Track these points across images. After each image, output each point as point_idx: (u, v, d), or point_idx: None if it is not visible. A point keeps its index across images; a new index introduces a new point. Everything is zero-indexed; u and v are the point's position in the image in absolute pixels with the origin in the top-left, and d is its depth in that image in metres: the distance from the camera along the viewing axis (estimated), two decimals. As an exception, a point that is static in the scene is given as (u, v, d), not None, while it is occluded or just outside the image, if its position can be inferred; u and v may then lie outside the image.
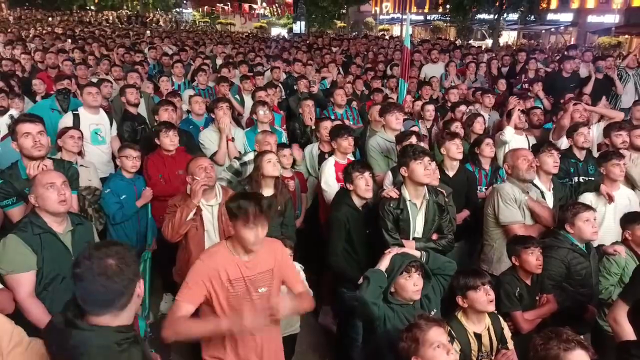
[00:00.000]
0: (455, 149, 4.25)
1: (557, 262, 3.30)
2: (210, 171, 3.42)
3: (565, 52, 10.54)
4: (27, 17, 27.69)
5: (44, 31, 17.58)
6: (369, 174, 3.60)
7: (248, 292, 2.54)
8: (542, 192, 3.87)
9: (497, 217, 3.69)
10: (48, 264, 2.73)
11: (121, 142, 4.90)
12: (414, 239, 3.40)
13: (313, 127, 5.36)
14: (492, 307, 2.76)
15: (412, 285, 2.66)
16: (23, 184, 3.23)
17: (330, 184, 4.24)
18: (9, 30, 17.25)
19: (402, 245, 3.23)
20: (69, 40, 12.42)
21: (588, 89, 7.36)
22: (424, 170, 3.28)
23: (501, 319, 2.89)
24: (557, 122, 5.45)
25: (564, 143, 5.03)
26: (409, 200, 3.38)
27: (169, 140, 4.34)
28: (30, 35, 15.31)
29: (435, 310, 2.80)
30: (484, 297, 2.71)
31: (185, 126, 5.39)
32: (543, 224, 3.67)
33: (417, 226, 3.42)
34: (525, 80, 8.24)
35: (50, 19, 28.46)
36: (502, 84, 8.10)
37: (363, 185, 3.54)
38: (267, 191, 3.82)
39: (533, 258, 3.14)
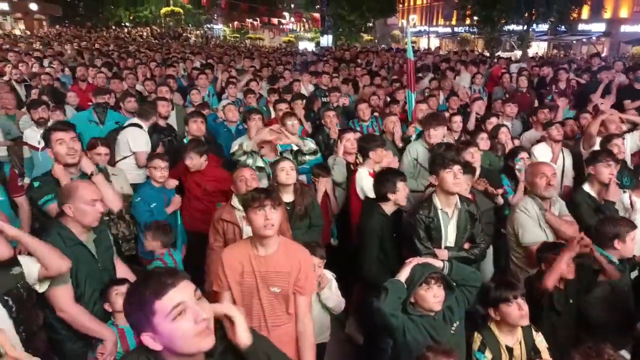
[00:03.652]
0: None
1: (602, 283, 3.18)
2: (251, 182, 3.49)
3: (591, 62, 10.35)
4: (66, 34, 28.84)
5: (82, 47, 18.31)
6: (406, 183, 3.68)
7: (257, 287, 2.59)
8: (594, 200, 3.79)
9: (518, 238, 3.61)
10: (82, 275, 2.78)
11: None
12: (446, 247, 3.38)
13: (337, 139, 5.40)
14: (524, 322, 2.69)
15: (432, 296, 2.62)
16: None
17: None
18: (49, 46, 18.08)
19: (434, 254, 3.21)
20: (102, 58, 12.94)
21: (635, 104, 7.19)
22: (453, 179, 3.28)
23: (534, 329, 2.82)
24: (585, 131, 5.34)
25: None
26: (441, 209, 3.38)
27: (191, 162, 4.40)
28: (68, 51, 15.98)
29: (457, 323, 2.75)
30: (516, 311, 2.65)
31: (220, 127, 5.81)
32: (564, 239, 3.51)
33: (449, 235, 3.40)
34: (556, 91, 8.12)
35: (88, 34, 29.64)
36: (522, 81, 8.02)
37: (405, 194, 3.62)
38: (287, 197, 3.87)
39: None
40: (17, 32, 31.74)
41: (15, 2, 35.28)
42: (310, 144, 4.54)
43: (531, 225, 3.54)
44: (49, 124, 5.05)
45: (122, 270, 3.18)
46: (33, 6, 35.41)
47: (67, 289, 2.69)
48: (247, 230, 3.45)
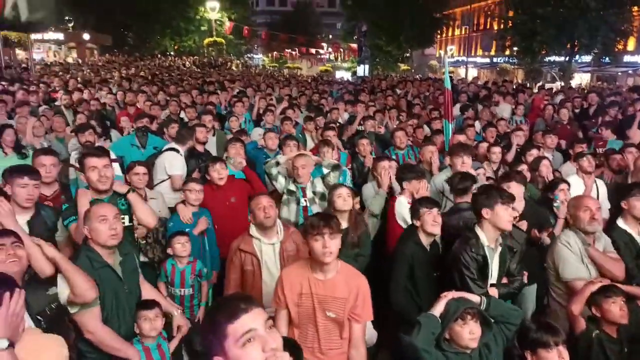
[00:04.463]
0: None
1: None
2: (269, 210, 3.42)
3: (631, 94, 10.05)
4: (115, 62, 30.38)
5: (129, 74, 19.22)
6: (437, 210, 3.58)
7: (314, 310, 2.60)
8: (632, 239, 3.61)
9: (558, 272, 3.45)
10: (108, 296, 2.82)
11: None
12: (491, 285, 3.24)
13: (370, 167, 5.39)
14: None
15: (467, 333, 2.51)
16: None
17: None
18: (97, 74, 19.09)
19: (487, 295, 3.07)
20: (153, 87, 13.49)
21: None
22: (509, 216, 3.16)
23: None
24: (634, 165, 5.14)
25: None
26: (487, 246, 3.20)
27: (217, 175, 4.52)
28: (116, 78, 16.81)
29: (496, 362, 2.61)
30: (556, 358, 2.48)
31: (260, 154, 5.94)
32: (609, 276, 3.32)
33: (494, 271, 3.27)
34: (602, 123, 7.89)
35: (135, 62, 31.13)
36: (563, 114, 7.84)
37: (430, 220, 3.52)
38: (342, 223, 3.84)
39: (616, 308, 2.84)
40: (69, 60, 33.70)
41: (69, 32, 37.51)
42: (330, 160, 4.72)
43: (573, 260, 3.38)
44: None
45: (152, 293, 3.24)
46: (86, 36, 37.55)
47: (95, 312, 2.73)
48: (266, 260, 3.44)
